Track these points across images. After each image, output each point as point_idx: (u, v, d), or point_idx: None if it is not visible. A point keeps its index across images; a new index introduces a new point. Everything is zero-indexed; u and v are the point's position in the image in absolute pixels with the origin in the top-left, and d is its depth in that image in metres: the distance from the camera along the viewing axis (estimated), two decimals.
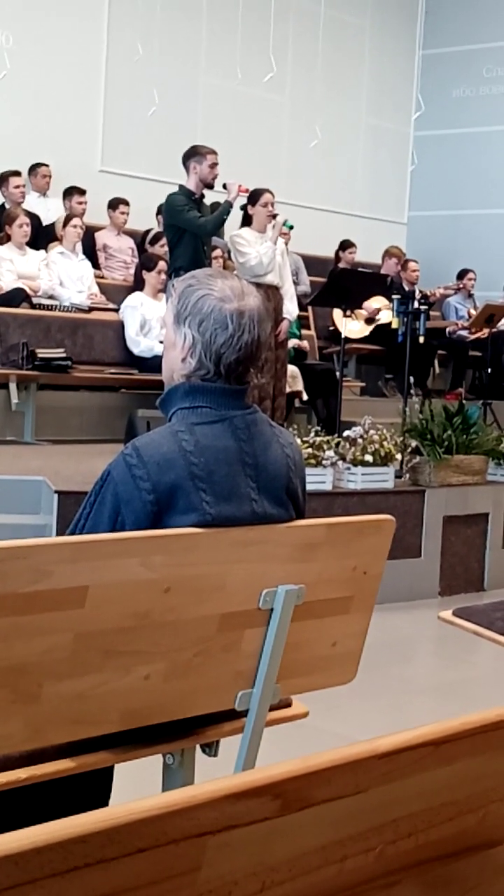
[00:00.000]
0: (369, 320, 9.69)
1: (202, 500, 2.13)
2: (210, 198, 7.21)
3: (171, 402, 2.25)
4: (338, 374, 7.74)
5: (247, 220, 7.12)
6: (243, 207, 7.13)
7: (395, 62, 12.83)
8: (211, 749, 2.36)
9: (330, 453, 5.91)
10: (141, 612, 2.03)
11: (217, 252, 8.37)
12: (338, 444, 6.05)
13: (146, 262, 8.27)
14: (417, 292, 9.24)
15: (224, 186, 6.94)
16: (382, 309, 9.48)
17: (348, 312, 7.58)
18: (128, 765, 2.23)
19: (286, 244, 7.56)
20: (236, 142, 10.41)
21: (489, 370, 9.42)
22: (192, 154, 6.90)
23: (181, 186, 6.92)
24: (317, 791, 1.00)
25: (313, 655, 2.36)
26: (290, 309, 7.37)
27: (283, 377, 7.25)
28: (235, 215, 7.18)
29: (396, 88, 12.88)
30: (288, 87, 11.75)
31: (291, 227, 7.33)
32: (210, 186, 6.94)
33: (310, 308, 9.39)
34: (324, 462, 5.87)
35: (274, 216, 7.08)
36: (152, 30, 10.49)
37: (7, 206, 8.76)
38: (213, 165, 6.84)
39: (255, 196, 7.07)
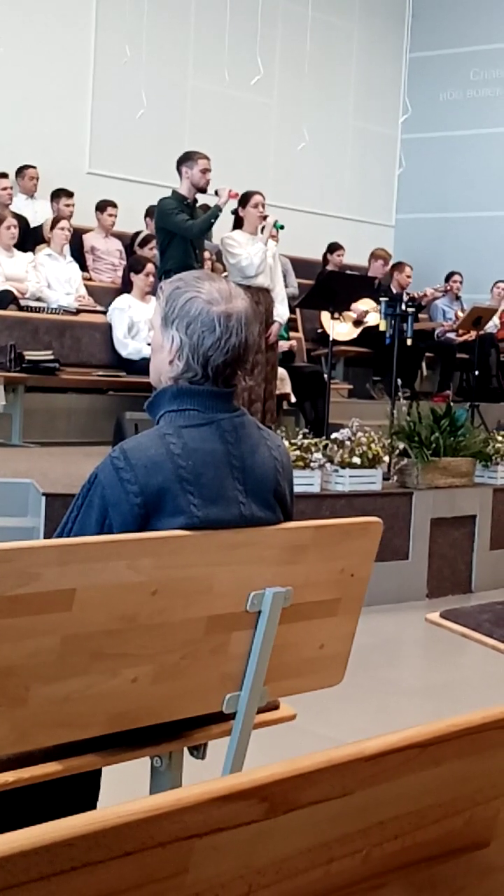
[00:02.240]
0: (357, 322, 9.71)
1: (190, 503, 2.13)
2: (203, 201, 7.22)
3: (158, 404, 2.25)
4: (326, 376, 7.75)
5: (238, 223, 7.14)
6: (234, 210, 7.16)
7: (383, 65, 12.85)
8: (199, 751, 2.36)
9: (318, 455, 5.91)
10: (128, 615, 2.03)
11: (205, 255, 8.37)
12: (325, 446, 6.06)
13: (134, 265, 8.27)
14: (405, 295, 9.26)
15: (216, 192, 6.96)
16: (370, 311, 9.49)
17: (336, 315, 7.59)
18: (116, 767, 2.22)
19: (276, 244, 7.57)
20: (224, 144, 10.41)
21: (476, 372, 9.43)
22: (185, 159, 6.93)
23: (174, 191, 6.95)
24: (303, 794, 1.00)
25: (301, 658, 2.37)
26: (281, 312, 7.38)
27: (273, 380, 7.26)
28: (228, 218, 7.20)
29: (384, 91, 12.91)
30: (275, 90, 11.76)
31: (282, 227, 7.35)
32: (202, 191, 6.95)
33: (298, 310, 9.39)
34: (311, 464, 5.88)
35: (264, 217, 7.10)
36: (140, 32, 10.48)
37: None
38: (205, 171, 6.86)
39: (245, 198, 7.09)
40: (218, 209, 6.92)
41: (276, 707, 2.47)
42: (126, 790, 1.75)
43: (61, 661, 1.97)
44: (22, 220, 8.71)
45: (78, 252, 9.16)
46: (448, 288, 11.05)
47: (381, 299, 7.54)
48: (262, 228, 7.08)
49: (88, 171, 10.37)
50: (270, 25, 11.44)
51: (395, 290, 9.87)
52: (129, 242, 9.54)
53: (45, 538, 4.87)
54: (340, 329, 9.19)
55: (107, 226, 9.56)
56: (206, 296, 2.18)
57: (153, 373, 2.29)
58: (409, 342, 7.32)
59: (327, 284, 7.75)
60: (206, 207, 7.11)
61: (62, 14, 10.08)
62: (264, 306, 7.05)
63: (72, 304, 8.34)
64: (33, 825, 0.86)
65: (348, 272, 9.64)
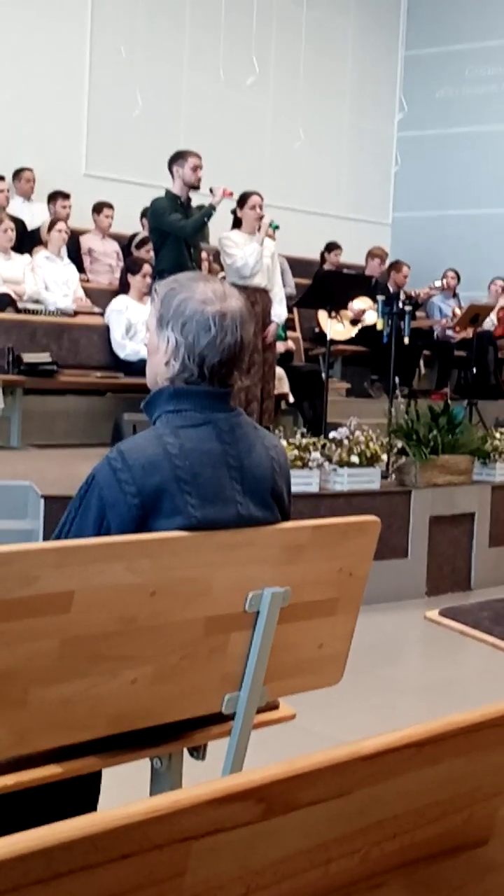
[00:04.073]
0: (354, 321, 9.71)
1: (187, 504, 2.13)
2: (198, 201, 7.23)
3: (155, 405, 2.25)
4: (323, 375, 7.75)
5: (236, 223, 7.15)
6: (233, 211, 7.17)
7: (378, 63, 12.85)
8: (199, 752, 2.36)
9: (316, 455, 5.91)
10: (127, 617, 2.03)
11: (202, 255, 8.37)
12: (324, 445, 6.06)
13: (131, 266, 8.27)
14: (402, 293, 9.26)
15: (210, 190, 6.96)
16: (367, 310, 9.49)
17: (333, 314, 7.60)
18: (116, 769, 2.22)
19: (273, 244, 7.58)
20: (220, 144, 10.41)
21: (474, 370, 9.44)
22: (176, 158, 6.94)
23: (167, 191, 6.95)
24: (301, 794, 1.00)
25: (300, 657, 2.37)
26: (279, 312, 7.38)
27: (271, 380, 7.27)
28: (227, 218, 7.20)
29: (379, 90, 12.91)
30: (271, 89, 11.76)
31: (277, 228, 7.36)
32: (195, 188, 6.95)
33: (295, 310, 9.39)
34: (310, 463, 5.87)
35: (261, 218, 7.11)
36: (135, 32, 10.49)
37: None
38: (196, 168, 6.86)
39: (243, 198, 7.12)
40: (212, 208, 6.92)
41: (275, 707, 2.47)
42: (126, 792, 1.75)
43: (60, 663, 1.97)
44: (19, 223, 8.71)
45: (75, 254, 9.16)
46: (445, 286, 11.03)
47: (379, 298, 7.55)
48: (259, 228, 7.09)
49: (85, 173, 10.37)
50: (265, 24, 11.44)
51: (391, 289, 9.87)
52: (126, 244, 9.54)
53: (44, 540, 4.86)
54: (338, 328, 9.21)
55: (104, 227, 9.56)
56: (200, 296, 2.18)
57: (149, 374, 2.29)
58: (406, 340, 7.32)
59: (324, 284, 7.75)
60: (202, 207, 7.11)
61: (57, 14, 10.07)
62: (261, 306, 7.06)
63: (69, 306, 8.34)
64: (34, 828, 0.86)
65: (345, 271, 9.64)
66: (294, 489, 2.44)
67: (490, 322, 10.59)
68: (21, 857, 0.83)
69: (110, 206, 9.55)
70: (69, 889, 0.86)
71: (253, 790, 0.96)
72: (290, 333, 9.08)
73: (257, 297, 6.98)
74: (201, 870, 0.94)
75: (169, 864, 0.92)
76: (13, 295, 7.98)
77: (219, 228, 7.52)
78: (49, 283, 8.40)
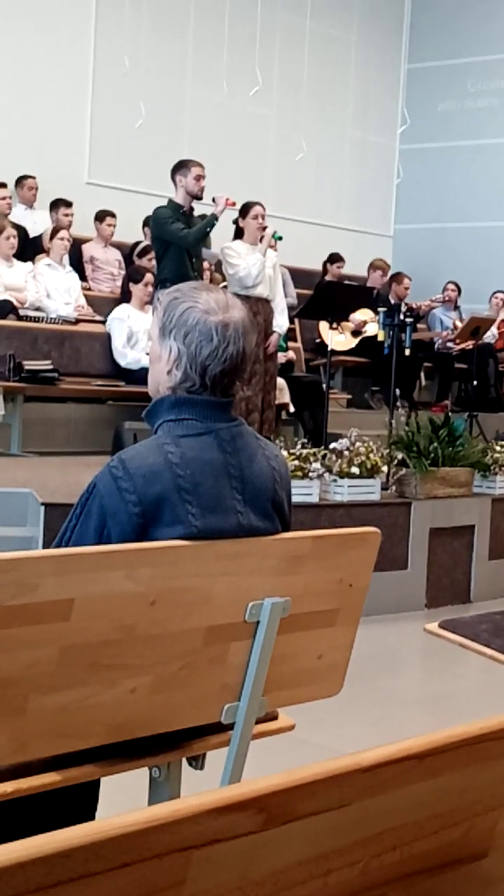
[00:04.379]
0: (356, 333, 9.72)
1: (188, 513, 2.13)
2: (200, 210, 7.24)
3: (156, 414, 2.25)
4: (324, 386, 7.76)
5: (239, 233, 7.17)
6: (235, 221, 7.18)
7: (381, 76, 12.88)
8: (197, 762, 2.36)
9: (316, 465, 5.91)
10: (127, 625, 2.03)
11: (204, 265, 8.39)
12: (324, 456, 6.06)
13: (133, 275, 8.28)
14: (403, 305, 9.27)
15: (213, 200, 6.99)
16: (369, 321, 9.50)
17: (335, 325, 7.60)
18: (115, 778, 2.22)
19: (275, 254, 7.59)
20: (223, 155, 10.43)
21: (475, 382, 9.44)
22: (179, 167, 6.96)
23: (170, 200, 6.97)
24: (301, 805, 1.00)
25: (299, 668, 2.36)
26: (281, 322, 7.39)
27: (272, 390, 7.27)
28: (230, 228, 7.21)
29: (382, 102, 12.94)
30: (274, 101, 11.79)
31: (280, 238, 7.38)
32: (198, 198, 6.97)
33: (296, 320, 9.41)
34: (310, 474, 5.87)
35: (264, 228, 7.12)
36: (139, 43, 10.52)
37: None
38: (199, 178, 6.88)
39: (245, 209, 7.13)
40: (214, 218, 6.94)
41: (274, 717, 2.47)
42: (125, 801, 1.75)
43: (60, 671, 1.97)
44: (21, 230, 8.72)
45: (77, 262, 9.18)
46: (446, 298, 11.05)
47: (380, 309, 7.56)
48: (261, 239, 7.11)
49: (87, 182, 10.39)
50: (269, 36, 11.47)
51: (393, 301, 9.88)
52: (128, 252, 9.56)
53: (43, 548, 4.86)
54: (339, 339, 9.21)
55: (106, 236, 9.58)
56: (203, 306, 2.18)
57: (151, 383, 2.29)
58: (407, 352, 7.33)
59: (326, 294, 7.76)
60: (205, 217, 7.13)
61: (61, 25, 10.10)
62: (263, 316, 7.07)
63: (71, 313, 8.35)
64: (32, 836, 0.86)
65: (347, 282, 9.65)
66: (294, 500, 2.44)
67: (491, 335, 10.60)
68: (20, 865, 0.83)
69: (112, 215, 9.57)
70: None
71: (253, 800, 0.95)
72: (291, 344, 9.09)
73: (259, 308, 6.99)
74: (201, 879, 0.94)
75: (168, 873, 0.92)
76: (15, 302, 7.99)
77: (221, 239, 7.53)
78: (51, 290, 8.41)
